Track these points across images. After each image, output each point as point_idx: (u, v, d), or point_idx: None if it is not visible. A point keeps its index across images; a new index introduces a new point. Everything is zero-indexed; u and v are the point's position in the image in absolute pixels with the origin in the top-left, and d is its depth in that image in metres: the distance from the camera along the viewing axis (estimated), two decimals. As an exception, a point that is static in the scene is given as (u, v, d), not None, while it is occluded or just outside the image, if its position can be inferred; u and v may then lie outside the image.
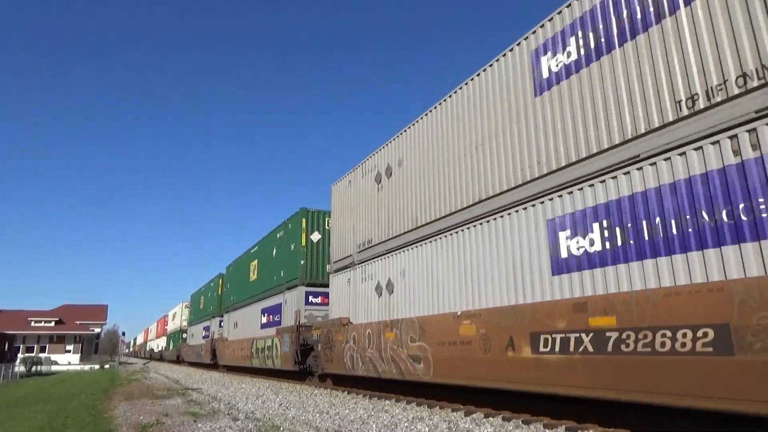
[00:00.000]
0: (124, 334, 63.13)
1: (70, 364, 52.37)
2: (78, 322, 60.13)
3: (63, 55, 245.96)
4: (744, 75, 5.40)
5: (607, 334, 6.17)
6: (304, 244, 17.99)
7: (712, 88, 5.65)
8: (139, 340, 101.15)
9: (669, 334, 5.50)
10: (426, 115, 11.40)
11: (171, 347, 48.57)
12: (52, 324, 57.27)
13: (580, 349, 6.49)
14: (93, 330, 62.35)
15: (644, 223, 6.14)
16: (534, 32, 8.46)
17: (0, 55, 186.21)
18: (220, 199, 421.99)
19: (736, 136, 5.36)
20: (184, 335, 42.33)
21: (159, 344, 60.57)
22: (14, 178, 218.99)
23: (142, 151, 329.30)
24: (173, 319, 49.46)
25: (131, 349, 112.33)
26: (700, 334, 5.22)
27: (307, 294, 17.57)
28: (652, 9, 6.48)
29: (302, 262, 17.76)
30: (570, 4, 7.80)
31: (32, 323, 56.33)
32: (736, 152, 5.35)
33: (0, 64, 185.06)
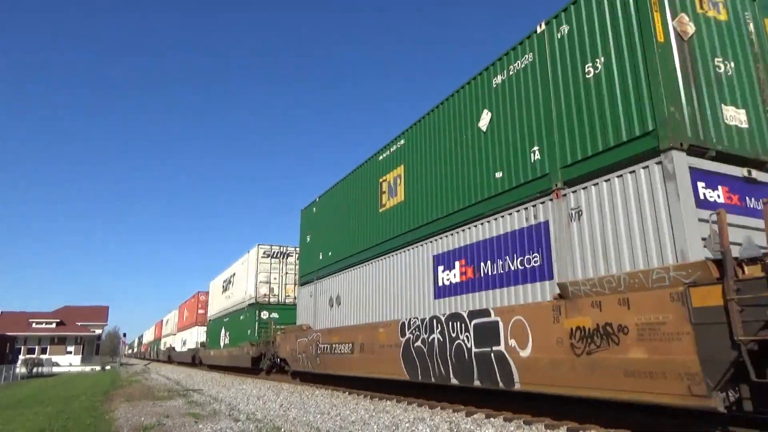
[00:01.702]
0: (125, 335, 62.85)
1: (71, 365, 52.35)
2: (79, 324, 60.13)
3: (62, 54, 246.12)
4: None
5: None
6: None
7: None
8: (148, 338, 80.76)
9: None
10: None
11: (227, 341, 27.04)
12: (53, 325, 57.23)
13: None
14: (94, 331, 62.30)
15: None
16: None
17: (1, 52, 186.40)
18: (222, 201, 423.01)
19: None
20: (267, 314, 22.53)
21: (187, 339, 40.13)
22: (15, 178, 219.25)
23: (144, 152, 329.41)
24: (226, 291, 28.87)
25: (135, 350, 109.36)
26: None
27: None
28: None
29: None
30: None
31: (33, 325, 56.28)
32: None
33: (0, 62, 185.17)
